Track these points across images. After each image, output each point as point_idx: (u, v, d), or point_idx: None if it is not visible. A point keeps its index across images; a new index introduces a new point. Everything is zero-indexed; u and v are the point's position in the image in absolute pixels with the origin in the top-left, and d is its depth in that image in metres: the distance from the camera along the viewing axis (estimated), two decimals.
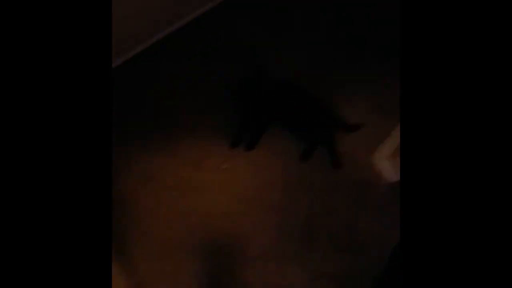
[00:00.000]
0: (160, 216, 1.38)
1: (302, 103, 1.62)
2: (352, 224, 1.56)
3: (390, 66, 1.86)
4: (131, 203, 1.40)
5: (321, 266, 1.48)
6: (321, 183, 1.59)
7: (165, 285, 1.30)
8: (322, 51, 1.82)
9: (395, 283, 1.16)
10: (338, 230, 1.52)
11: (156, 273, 1.30)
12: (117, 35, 1.22)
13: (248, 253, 1.42)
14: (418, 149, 0.62)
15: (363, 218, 1.58)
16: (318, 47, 1.83)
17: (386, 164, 1.65)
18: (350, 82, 1.80)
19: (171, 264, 1.33)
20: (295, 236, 1.49)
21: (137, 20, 1.34)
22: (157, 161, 1.44)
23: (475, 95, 0.58)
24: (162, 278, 1.30)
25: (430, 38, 0.62)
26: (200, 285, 1.33)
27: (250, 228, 1.45)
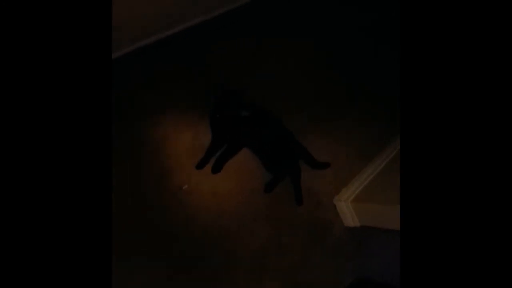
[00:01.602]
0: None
1: (275, 133, 1.60)
2: (304, 263, 1.56)
3: (372, 111, 1.89)
4: None
5: None
6: (280, 218, 1.58)
7: None
8: (303, 85, 1.81)
9: None
10: (289, 268, 1.52)
11: None
12: None
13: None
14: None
15: (315, 258, 1.59)
16: (299, 80, 1.81)
17: (346, 207, 1.66)
18: (326, 120, 1.80)
19: None
20: (245, 266, 1.47)
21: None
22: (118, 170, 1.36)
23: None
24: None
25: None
26: None
27: (199, 253, 1.42)
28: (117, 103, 1.34)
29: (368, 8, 2.07)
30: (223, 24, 1.64)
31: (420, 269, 0.63)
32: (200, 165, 1.51)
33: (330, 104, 1.82)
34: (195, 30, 1.57)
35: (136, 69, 1.39)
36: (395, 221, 1.49)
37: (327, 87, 1.84)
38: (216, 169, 1.51)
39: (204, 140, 1.52)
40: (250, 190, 1.55)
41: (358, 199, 1.66)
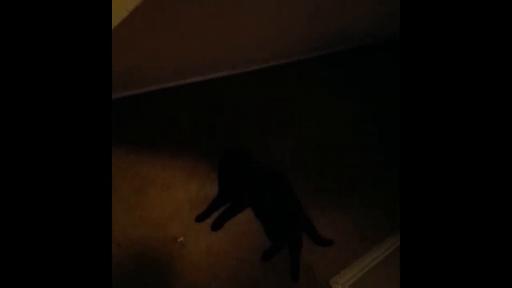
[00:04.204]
0: None
1: (283, 199, 1.53)
2: None
3: (382, 197, 1.85)
4: None
5: None
6: None
7: None
8: (317, 156, 1.78)
9: None
10: None
11: None
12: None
13: None
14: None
15: None
16: (314, 149, 1.78)
17: None
18: (335, 196, 1.74)
19: None
20: None
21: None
22: (116, 215, 1.27)
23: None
24: None
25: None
26: None
27: None
28: (132, 137, 1.30)
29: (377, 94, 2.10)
30: (244, 81, 1.64)
31: None
32: (200, 218, 1.42)
33: (340, 181, 1.77)
34: (216, 82, 1.56)
35: (154, 109, 1.36)
36: None
37: (341, 163, 1.81)
38: (216, 227, 1.42)
39: (210, 192, 1.45)
40: (246, 255, 1.45)
41: (357, 285, 1.56)
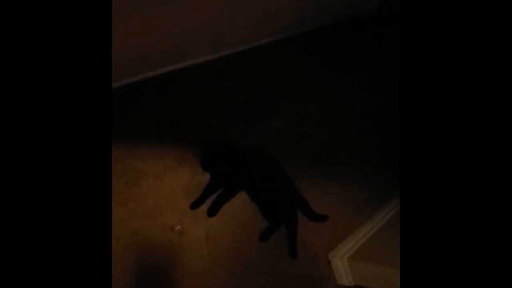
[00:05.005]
0: None
1: (275, 179, 1.56)
2: None
3: (375, 168, 1.88)
4: None
5: None
6: (272, 270, 1.50)
7: None
8: (308, 131, 1.80)
9: None
10: None
11: None
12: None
13: None
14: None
15: None
16: (306, 125, 1.81)
17: (341, 264, 1.59)
18: (328, 170, 1.77)
19: None
20: None
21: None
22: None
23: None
24: None
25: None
26: None
27: None
28: (117, 130, 1.32)
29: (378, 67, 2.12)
30: (231, 65, 1.66)
31: None
32: (194, 206, 1.44)
33: (333, 155, 1.80)
34: (206, 66, 1.58)
35: (138, 100, 1.38)
36: (392, 284, 1.43)
37: (333, 137, 1.84)
38: (211, 213, 1.44)
39: (203, 179, 1.47)
40: (244, 237, 1.48)
41: (355, 256, 1.59)
